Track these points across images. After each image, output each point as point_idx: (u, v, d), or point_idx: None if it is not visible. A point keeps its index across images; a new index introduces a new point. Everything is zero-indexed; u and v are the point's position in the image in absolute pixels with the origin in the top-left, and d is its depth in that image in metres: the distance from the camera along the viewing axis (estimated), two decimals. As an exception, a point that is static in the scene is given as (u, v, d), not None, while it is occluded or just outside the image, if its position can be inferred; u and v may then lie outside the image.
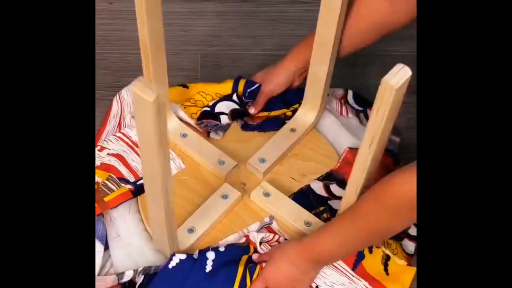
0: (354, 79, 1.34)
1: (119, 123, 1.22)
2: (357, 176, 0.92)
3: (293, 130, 1.21)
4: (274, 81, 1.20)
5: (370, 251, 1.07)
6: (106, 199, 1.11)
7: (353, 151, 1.17)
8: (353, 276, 1.05)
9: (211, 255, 1.04)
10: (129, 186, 1.13)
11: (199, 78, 1.34)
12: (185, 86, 1.27)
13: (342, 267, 1.06)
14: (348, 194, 0.97)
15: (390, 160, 1.16)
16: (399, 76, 0.78)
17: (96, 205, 1.10)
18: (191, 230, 1.08)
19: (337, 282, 1.05)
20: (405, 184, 0.87)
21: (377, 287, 1.05)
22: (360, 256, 1.07)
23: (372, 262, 1.07)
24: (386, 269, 1.06)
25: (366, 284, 1.05)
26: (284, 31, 1.41)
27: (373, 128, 0.83)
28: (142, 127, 0.79)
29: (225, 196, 1.12)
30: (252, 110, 1.22)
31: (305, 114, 1.21)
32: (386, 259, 1.07)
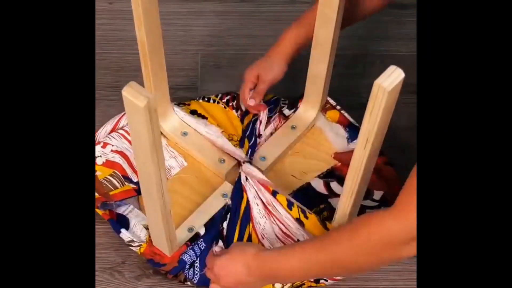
0: (354, 79, 1.34)
1: (118, 121, 1.22)
2: (352, 178, 0.93)
3: (293, 127, 1.21)
4: (274, 68, 1.15)
5: (306, 217, 1.08)
6: (111, 193, 1.11)
7: (339, 154, 1.19)
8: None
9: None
10: (132, 185, 1.13)
11: (199, 78, 1.34)
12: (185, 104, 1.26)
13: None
14: (344, 196, 0.98)
15: (392, 172, 1.17)
16: (392, 78, 0.77)
17: (101, 196, 1.11)
18: (191, 229, 1.09)
19: None
20: (382, 225, 0.86)
21: None
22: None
23: (312, 225, 1.08)
24: (326, 228, 1.08)
25: None
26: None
27: (367, 130, 0.83)
28: (134, 131, 0.80)
29: (225, 195, 1.13)
30: (252, 102, 1.18)
31: (306, 111, 1.21)
32: (323, 220, 1.09)
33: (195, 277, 1.06)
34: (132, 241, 1.08)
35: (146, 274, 1.11)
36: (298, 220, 1.09)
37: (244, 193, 1.11)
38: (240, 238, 1.08)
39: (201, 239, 1.08)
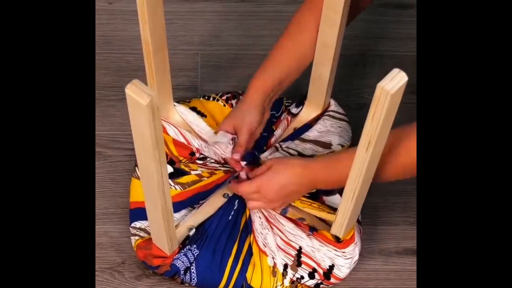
0: (354, 79, 1.34)
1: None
2: (354, 180, 0.93)
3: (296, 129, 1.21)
4: (247, 117, 1.12)
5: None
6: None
7: None
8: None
9: (236, 204, 1.11)
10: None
11: (199, 78, 1.34)
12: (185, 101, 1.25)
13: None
14: (345, 199, 0.98)
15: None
16: (395, 81, 0.77)
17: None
18: (190, 229, 1.09)
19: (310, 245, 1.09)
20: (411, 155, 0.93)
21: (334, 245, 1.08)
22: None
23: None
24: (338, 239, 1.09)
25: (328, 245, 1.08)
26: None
27: (369, 132, 0.84)
28: (137, 129, 0.80)
29: (226, 195, 1.13)
30: (236, 156, 1.11)
31: (309, 114, 1.21)
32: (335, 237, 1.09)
33: (193, 281, 1.06)
34: (140, 230, 1.09)
35: (146, 274, 1.11)
36: (310, 227, 1.10)
37: (247, 209, 1.11)
38: (240, 249, 1.08)
39: (194, 245, 1.07)
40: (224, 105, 1.23)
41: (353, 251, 1.07)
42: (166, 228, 0.98)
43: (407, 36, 1.40)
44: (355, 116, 1.24)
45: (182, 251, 1.06)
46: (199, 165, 1.15)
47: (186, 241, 1.08)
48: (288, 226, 1.09)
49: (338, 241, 1.07)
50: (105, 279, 1.10)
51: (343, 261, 1.07)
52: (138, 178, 1.14)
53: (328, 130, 1.20)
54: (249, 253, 1.08)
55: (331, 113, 1.21)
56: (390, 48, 1.40)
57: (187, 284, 1.08)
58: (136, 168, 1.15)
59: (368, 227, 1.16)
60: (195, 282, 1.06)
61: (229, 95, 1.25)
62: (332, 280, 1.07)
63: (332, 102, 1.23)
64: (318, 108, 1.21)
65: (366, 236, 1.14)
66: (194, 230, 1.08)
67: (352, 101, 1.30)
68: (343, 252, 1.07)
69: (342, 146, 1.18)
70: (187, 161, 1.16)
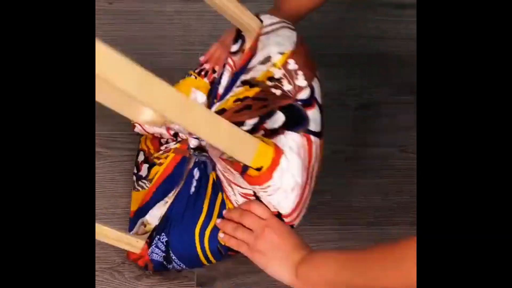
0: (354, 79, 1.34)
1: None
2: None
3: None
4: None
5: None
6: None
7: None
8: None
9: (196, 174, 1.08)
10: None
11: (199, 78, 1.34)
12: None
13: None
14: None
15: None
16: None
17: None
18: (144, 225, 1.11)
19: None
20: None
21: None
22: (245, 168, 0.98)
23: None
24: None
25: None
26: (284, 31, 1.40)
27: None
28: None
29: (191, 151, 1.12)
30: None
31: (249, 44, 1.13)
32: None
33: (181, 265, 1.07)
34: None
35: (146, 274, 1.11)
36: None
37: (213, 172, 1.08)
38: (210, 212, 1.05)
39: (162, 233, 1.06)
40: (196, 78, 1.20)
41: (279, 180, 0.95)
42: (106, 236, 1.00)
43: (407, 36, 1.40)
44: (355, 116, 1.24)
45: (153, 243, 1.06)
46: (161, 152, 1.15)
47: (154, 233, 1.07)
48: (245, 185, 1.01)
49: (246, 171, 0.97)
50: (105, 279, 1.10)
51: (271, 198, 0.97)
52: (133, 189, 1.15)
53: (264, 46, 1.07)
54: (223, 209, 1.05)
55: (264, 29, 1.08)
56: (390, 48, 1.40)
57: (183, 271, 1.08)
58: (133, 177, 1.16)
59: (368, 227, 1.16)
60: (183, 265, 1.06)
61: (202, 67, 1.21)
62: (288, 220, 0.99)
63: (265, 16, 1.10)
64: (254, 32, 1.10)
65: (366, 236, 1.14)
66: (148, 225, 1.09)
67: (352, 101, 1.30)
68: (262, 188, 0.97)
69: (282, 54, 1.04)
70: (155, 152, 1.16)
